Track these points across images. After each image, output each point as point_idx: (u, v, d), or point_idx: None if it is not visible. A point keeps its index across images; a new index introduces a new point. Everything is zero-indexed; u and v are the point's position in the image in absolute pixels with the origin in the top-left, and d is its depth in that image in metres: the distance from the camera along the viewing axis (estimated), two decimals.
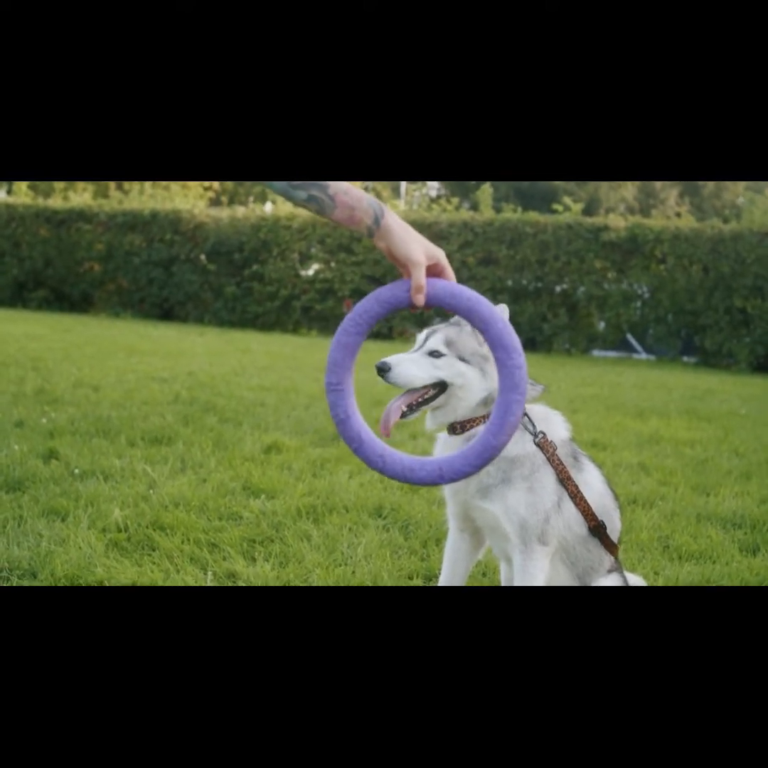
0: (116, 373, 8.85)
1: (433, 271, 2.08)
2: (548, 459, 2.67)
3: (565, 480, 2.69)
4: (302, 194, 1.94)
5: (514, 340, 2.05)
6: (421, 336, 2.66)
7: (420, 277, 2.00)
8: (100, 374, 8.62)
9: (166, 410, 6.72)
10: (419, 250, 2.01)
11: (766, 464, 6.20)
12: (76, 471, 4.62)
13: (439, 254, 2.07)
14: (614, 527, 2.89)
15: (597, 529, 2.76)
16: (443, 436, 2.78)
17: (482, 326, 2.04)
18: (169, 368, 9.59)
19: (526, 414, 2.67)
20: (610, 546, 2.80)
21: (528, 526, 2.66)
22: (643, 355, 17.86)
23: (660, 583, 3.52)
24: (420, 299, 2.04)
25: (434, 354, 2.62)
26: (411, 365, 2.58)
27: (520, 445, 2.66)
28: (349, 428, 2.13)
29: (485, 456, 2.09)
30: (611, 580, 2.85)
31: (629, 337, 17.89)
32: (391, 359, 2.58)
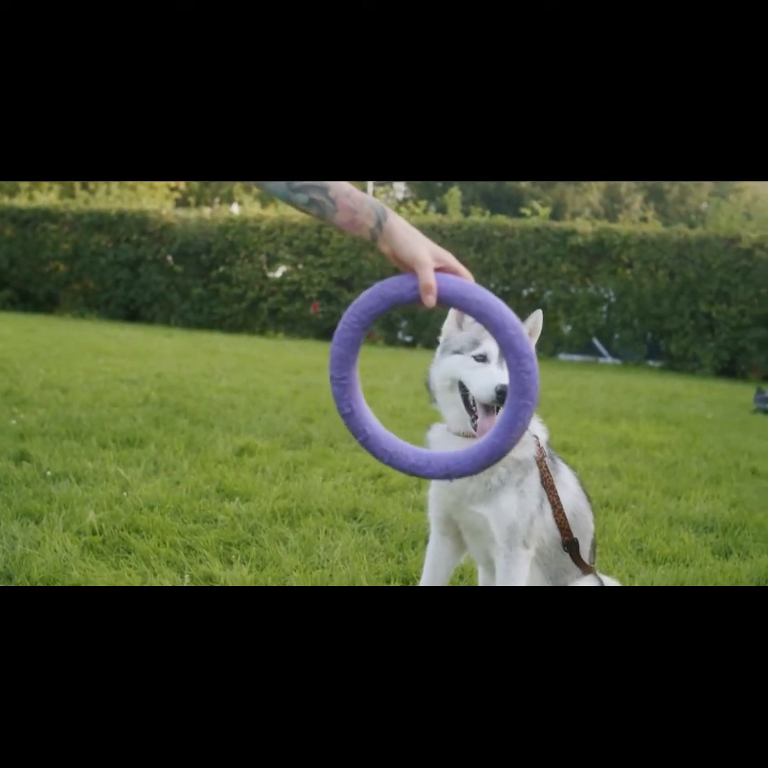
0: (84, 374, 8.78)
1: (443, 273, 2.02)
2: (538, 463, 2.68)
3: (548, 489, 2.70)
4: (303, 198, 1.90)
5: (525, 345, 1.99)
6: (490, 346, 2.55)
7: (428, 277, 1.94)
8: (68, 375, 8.55)
9: (137, 412, 6.68)
10: (425, 250, 1.96)
11: (735, 468, 6.26)
12: (49, 473, 4.58)
13: (447, 256, 2.01)
14: (588, 528, 2.90)
15: (570, 544, 2.76)
16: (440, 432, 2.75)
17: (493, 329, 1.99)
18: (138, 370, 9.54)
19: None
20: (582, 564, 2.79)
21: (516, 530, 2.66)
22: (609, 359, 17.97)
23: (636, 585, 3.54)
24: (430, 300, 1.97)
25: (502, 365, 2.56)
26: None
27: (527, 448, 2.66)
28: (354, 421, 2.11)
29: (493, 458, 2.06)
30: (586, 583, 2.86)
31: (595, 341, 17.99)
32: (506, 381, 2.45)
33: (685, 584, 3.58)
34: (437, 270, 1.99)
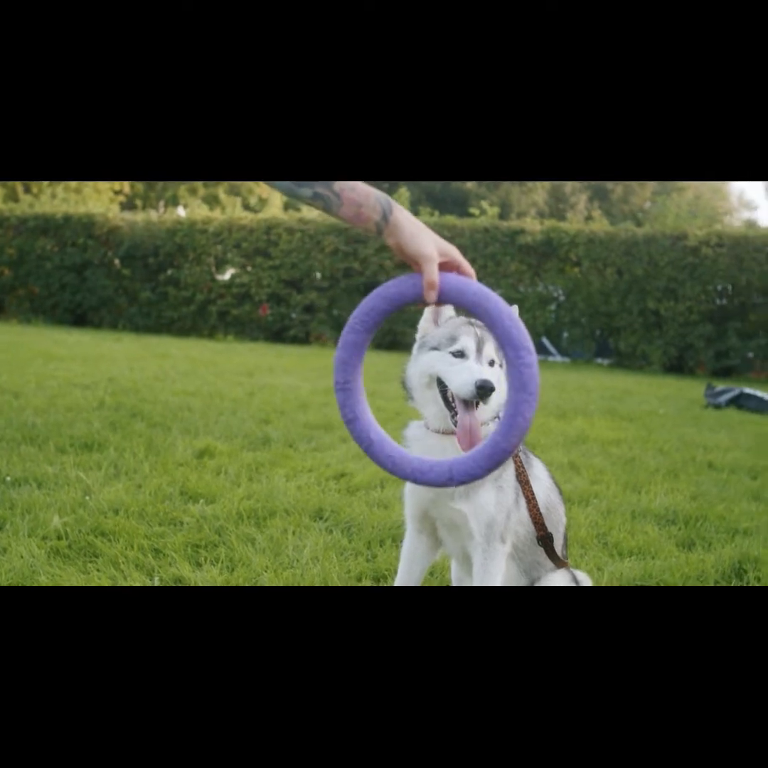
0: (36, 379, 8.67)
1: (447, 268, 2.01)
2: (512, 458, 2.68)
3: (523, 483, 2.71)
4: (308, 191, 1.88)
5: (524, 337, 1.95)
6: (468, 342, 2.55)
7: (432, 272, 1.93)
8: (20, 381, 8.44)
9: (92, 416, 6.60)
10: (431, 245, 1.95)
11: (692, 462, 6.34)
12: (8, 479, 4.51)
13: (452, 251, 2.00)
14: (560, 520, 2.92)
15: (544, 539, 2.77)
16: (418, 430, 2.74)
17: (489, 322, 1.97)
18: (89, 374, 9.43)
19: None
20: (556, 559, 2.81)
21: (494, 524, 2.66)
22: (558, 358, 18.10)
23: (605, 578, 3.57)
24: (432, 296, 1.96)
25: (492, 363, 2.56)
26: (498, 382, 2.51)
27: None
28: (358, 428, 2.07)
29: (495, 458, 2.00)
30: (559, 576, 2.87)
31: (544, 340, 18.12)
32: (492, 378, 2.48)
33: (653, 575, 3.61)
34: (440, 266, 1.97)
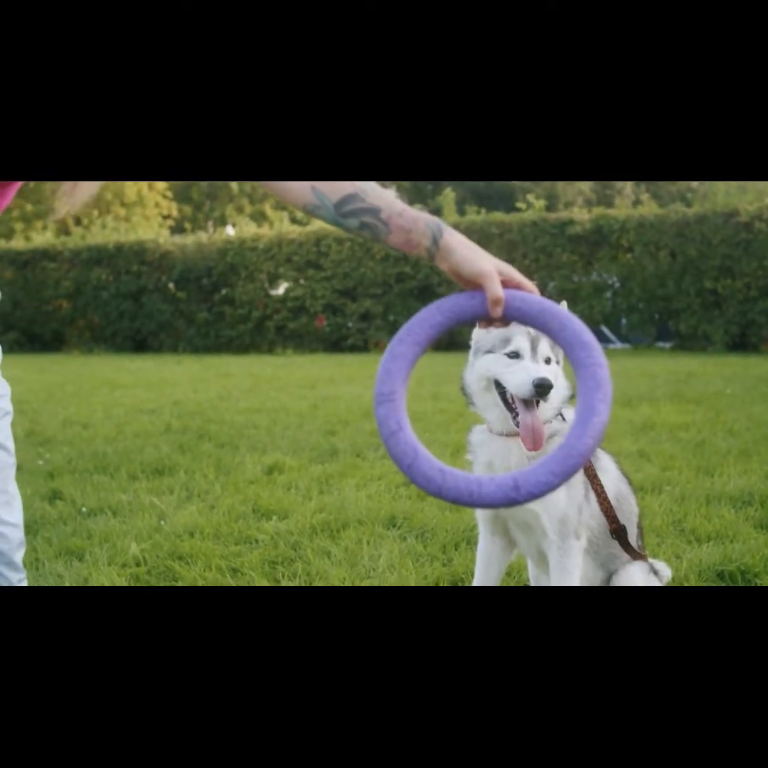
0: (102, 408, 8.80)
1: (506, 287, 1.90)
2: None
3: (591, 478, 2.70)
4: (354, 222, 1.84)
5: (592, 337, 1.89)
6: (522, 342, 2.57)
7: (496, 288, 1.84)
8: (87, 411, 8.58)
9: (160, 441, 6.69)
10: (488, 262, 1.87)
11: (764, 441, 6.24)
12: (84, 509, 4.59)
13: (510, 270, 1.90)
14: (632, 511, 2.90)
15: (617, 532, 2.76)
16: (482, 434, 2.75)
17: (558, 326, 1.88)
18: (154, 399, 9.55)
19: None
20: (631, 550, 2.79)
21: (567, 521, 2.66)
22: (619, 345, 17.97)
23: (684, 565, 3.53)
24: (499, 311, 1.86)
25: (548, 361, 2.57)
26: (555, 379, 2.53)
27: None
28: (401, 440, 1.88)
29: (569, 463, 1.81)
30: (637, 567, 2.85)
31: (603, 328, 17.99)
32: (549, 375, 2.49)
33: (733, 559, 3.57)
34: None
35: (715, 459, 5.62)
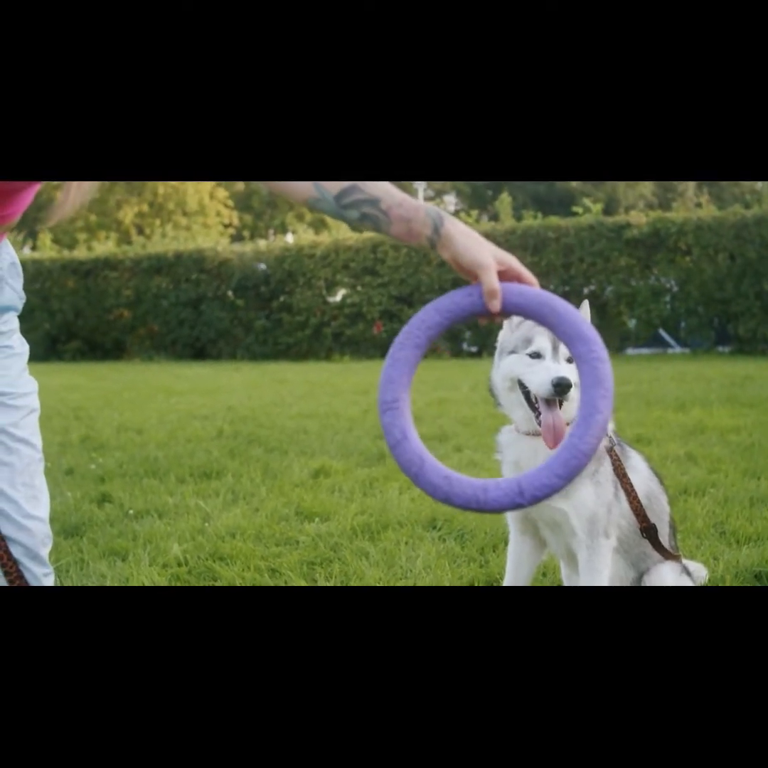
0: (157, 414, 8.93)
1: (507, 278, 1.88)
2: (608, 453, 2.70)
3: (621, 477, 2.71)
4: (354, 214, 1.84)
5: (593, 331, 1.82)
6: (543, 342, 2.60)
7: (492, 280, 1.81)
8: (142, 417, 8.71)
9: (211, 445, 6.79)
10: (487, 253, 1.84)
11: None
12: (131, 512, 4.68)
13: (510, 259, 1.87)
14: (664, 510, 2.91)
15: (647, 530, 2.77)
16: (509, 434, 2.78)
17: (557, 320, 1.84)
18: (209, 405, 9.67)
19: None
20: (662, 550, 2.79)
21: (596, 520, 2.68)
22: (678, 349, 17.79)
23: (720, 566, 3.52)
24: (495, 305, 1.83)
25: (570, 360, 2.57)
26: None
27: None
28: (408, 449, 1.86)
29: (572, 464, 1.78)
30: (668, 567, 2.85)
31: (662, 332, 17.83)
32: (569, 375, 2.52)
33: None
34: (500, 275, 1.86)
35: (763, 462, 5.57)
